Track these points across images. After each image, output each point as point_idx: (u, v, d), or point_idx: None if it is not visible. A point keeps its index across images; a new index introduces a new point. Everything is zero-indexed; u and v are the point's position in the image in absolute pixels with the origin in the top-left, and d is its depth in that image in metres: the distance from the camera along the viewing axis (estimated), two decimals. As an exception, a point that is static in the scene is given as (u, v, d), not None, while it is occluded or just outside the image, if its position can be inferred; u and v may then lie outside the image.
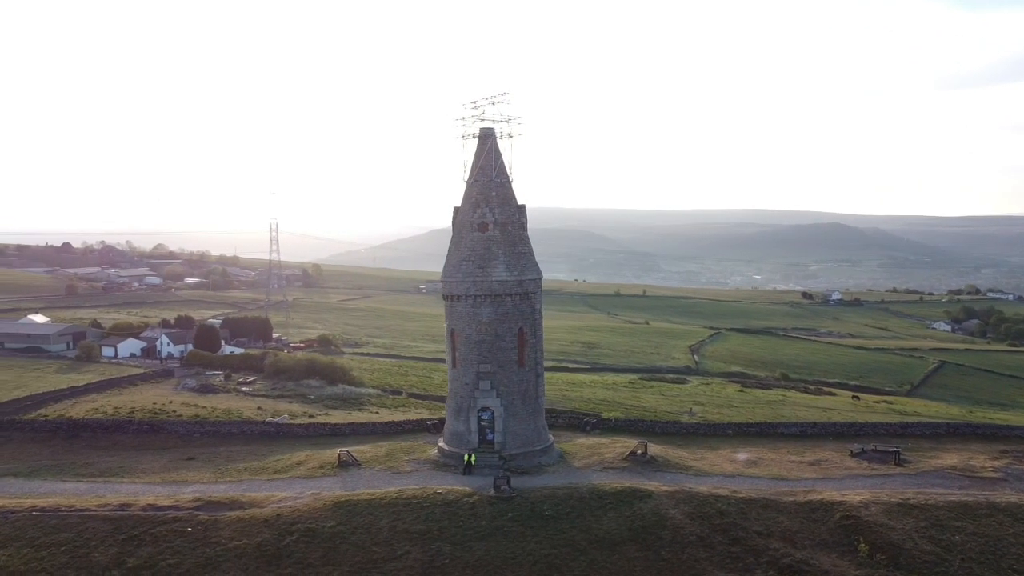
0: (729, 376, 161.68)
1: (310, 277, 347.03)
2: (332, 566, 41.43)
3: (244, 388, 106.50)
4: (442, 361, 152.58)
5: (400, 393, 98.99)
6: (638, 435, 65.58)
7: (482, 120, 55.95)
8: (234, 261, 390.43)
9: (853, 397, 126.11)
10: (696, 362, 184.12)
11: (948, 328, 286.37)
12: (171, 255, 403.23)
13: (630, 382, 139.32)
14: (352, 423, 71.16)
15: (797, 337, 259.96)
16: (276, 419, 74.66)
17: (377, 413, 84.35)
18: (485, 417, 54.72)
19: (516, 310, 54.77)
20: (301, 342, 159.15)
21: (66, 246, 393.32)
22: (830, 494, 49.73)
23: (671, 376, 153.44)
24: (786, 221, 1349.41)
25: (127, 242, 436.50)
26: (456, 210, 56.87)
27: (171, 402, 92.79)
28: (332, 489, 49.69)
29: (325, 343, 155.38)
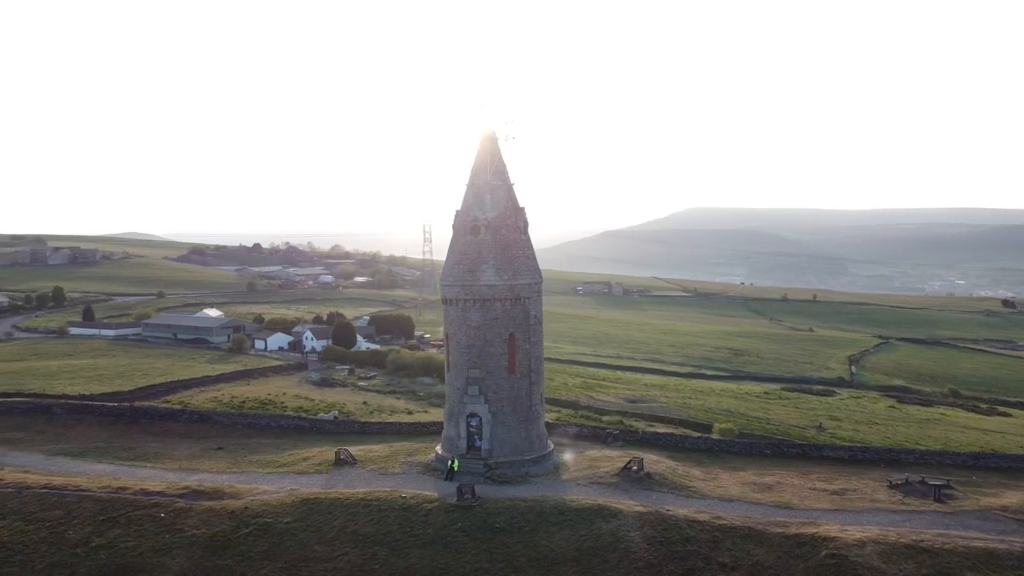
0: (887, 390, 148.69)
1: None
2: (268, 560, 42.45)
3: (361, 383, 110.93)
4: (575, 363, 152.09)
5: None
6: (666, 450, 62.08)
7: (477, 123, 55.35)
8: (401, 261, 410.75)
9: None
10: (852, 373, 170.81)
11: None
12: (346, 255, 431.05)
13: (766, 392, 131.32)
14: (380, 423, 72.83)
15: (982, 350, 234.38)
16: (325, 415, 77.56)
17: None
18: (474, 423, 53.91)
19: (507, 315, 53.50)
20: (441, 339, 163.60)
21: (256, 247, 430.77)
22: (827, 528, 44.26)
23: (819, 388, 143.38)
24: (997, 221, 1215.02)
25: (308, 243, 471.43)
26: (457, 212, 56.50)
27: (284, 394, 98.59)
28: (311, 486, 50.79)
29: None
